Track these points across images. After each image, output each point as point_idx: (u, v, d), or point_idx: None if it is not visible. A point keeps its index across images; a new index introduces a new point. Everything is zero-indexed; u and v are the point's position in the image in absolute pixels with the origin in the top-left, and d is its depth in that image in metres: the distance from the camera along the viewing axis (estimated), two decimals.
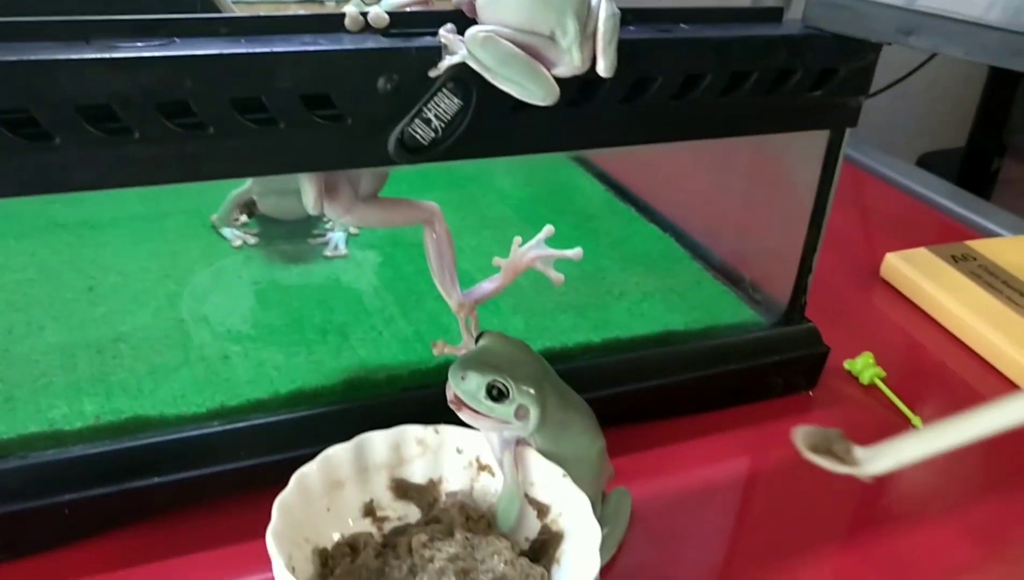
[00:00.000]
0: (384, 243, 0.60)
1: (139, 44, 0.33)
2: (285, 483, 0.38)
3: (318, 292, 0.54)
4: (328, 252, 0.59)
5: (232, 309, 0.51)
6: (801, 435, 0.31)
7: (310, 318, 0.51)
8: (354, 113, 0.36)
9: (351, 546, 0.39)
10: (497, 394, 0.39)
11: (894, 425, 0.56)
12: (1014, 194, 1.20)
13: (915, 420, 0.55)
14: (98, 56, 0.32)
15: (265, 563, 0.36)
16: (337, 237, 0.59)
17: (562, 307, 0.55)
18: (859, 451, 0.32)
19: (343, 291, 0.55)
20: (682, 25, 0.43)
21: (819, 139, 0.50)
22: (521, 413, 0.39)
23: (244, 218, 0.61)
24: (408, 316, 0.52)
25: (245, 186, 0.60)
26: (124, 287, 0.52)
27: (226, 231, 0.59)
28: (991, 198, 1.06)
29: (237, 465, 0.42)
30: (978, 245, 0.73)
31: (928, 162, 1.23)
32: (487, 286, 0.45)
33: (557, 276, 0.44)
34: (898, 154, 1.03)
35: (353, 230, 0.61)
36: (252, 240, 0.59)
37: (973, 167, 1.21)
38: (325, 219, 0.61)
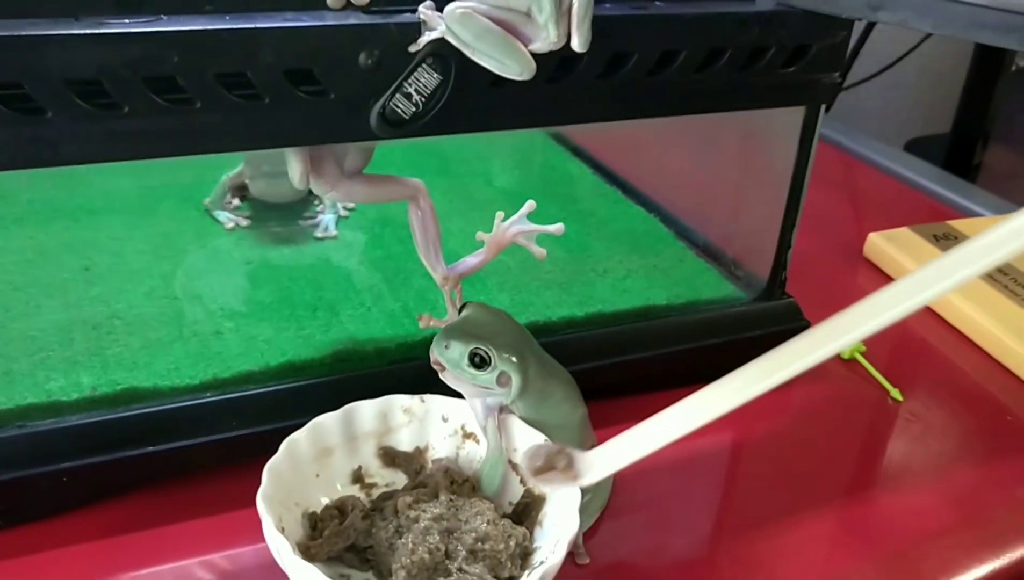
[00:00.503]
0: (373, 225, 0.62)
1: (126, 21, 0.34)
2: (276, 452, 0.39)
3: (308, 271, 0.55)
4: (318, 233, 0.60)
5: (224, 287, 0.52)
6: (525, 462, 0.31)
7: (300, 295, 0.52)
8: (337, 88, 0.37)
9: (339, 509, 0.40)
10: (479, 361, 0.40)
11: (873, 397, 0.57)
12: (995, 180, 1.21)
13: (894, 392, 0.57)
14: (87, 31, 0.33)
15: (258, 530, 0.37)
16: (327, 219, 0.61)
17: (547, 284, 0.56)
18: (579, 461, 0.32)
19: (333, 270, 0.56)
20: (657, 2, 0.44)
21: (797, 118, 0.52)
22: (503, 380, 0.41)
23: (236, 201, 0.62)
24: (396, 293, 0.53)
25: (237, 170, 0.62)
26: (119, 267, 0.53)
27: (219, 214, 0.60)
28: (975, 182, 1.07)
29: (229, 435, 0.43)
30: (960, 225, 0.74)
31: (914, 148, 1.24)
32: (471, 261, 0.46)
33: (539, 251, 0.45)
34: (889, 141, 1.05)
35: (343, 213, 0.62)
36: (244, 222, 0.60)
37: (958, 153, 1.22)
38: (316, 202, 0.63)
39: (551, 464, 0.33)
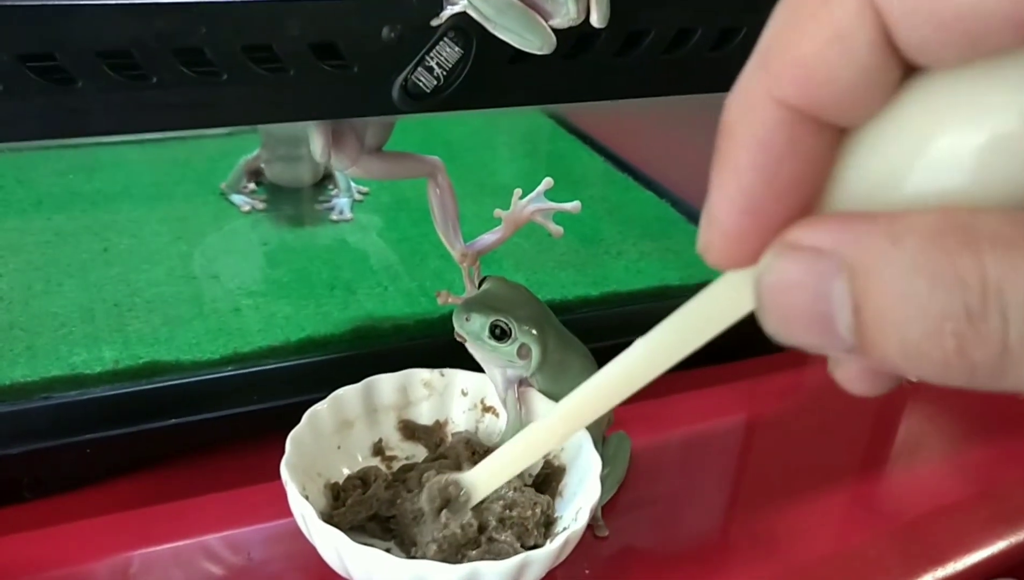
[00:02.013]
0: (388, 208, 0.62)
1: None
2: None
3: (324, 252, 0.56)
4: (334, 216, 0.60)
5: (242, 267, 0.53)
6: (427, 507, 0.33)
7: (318, 275, 0.53)
8: (360, 61, 0.38)
9: (362, 479, 0.41)
10: (500, 333, 0.41)
11: None
12: None
13: None
14: (119, 2, 0.33)
15: (278, 503, 0.37)
16: (342, 202, 0.61)
17: (562, 265, 0.56)
18: (466, 483, 0.32)
19: (349, 251, 0.57)
20: None
21: None
22: (523, 352, 0.41)
23: (252, 185, 0.62)
24: (412, 273, 0.54)
25: (253, 154, 0.62)
26: (138, 249, 0.54)
27: (235, 197, 0.61)
28: None
29: (251, 408, 0.44)
30: None
31: None
32: (489, 238, 0.46)
33: (556, 229, 0.46)
34: None
35: (358, 197, 0.63)
36: (260, 205, 0.60)
37: None
38: (330, 186, 0.63)
39: (447, 497, 0.34)
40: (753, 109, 0.17)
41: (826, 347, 0.17)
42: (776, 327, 0.18)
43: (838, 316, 0.16)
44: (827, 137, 0.17)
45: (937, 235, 0.15)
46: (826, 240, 0.16)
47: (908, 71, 0.16)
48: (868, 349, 0.16)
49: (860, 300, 0.16)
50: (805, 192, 0.17)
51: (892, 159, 0.16)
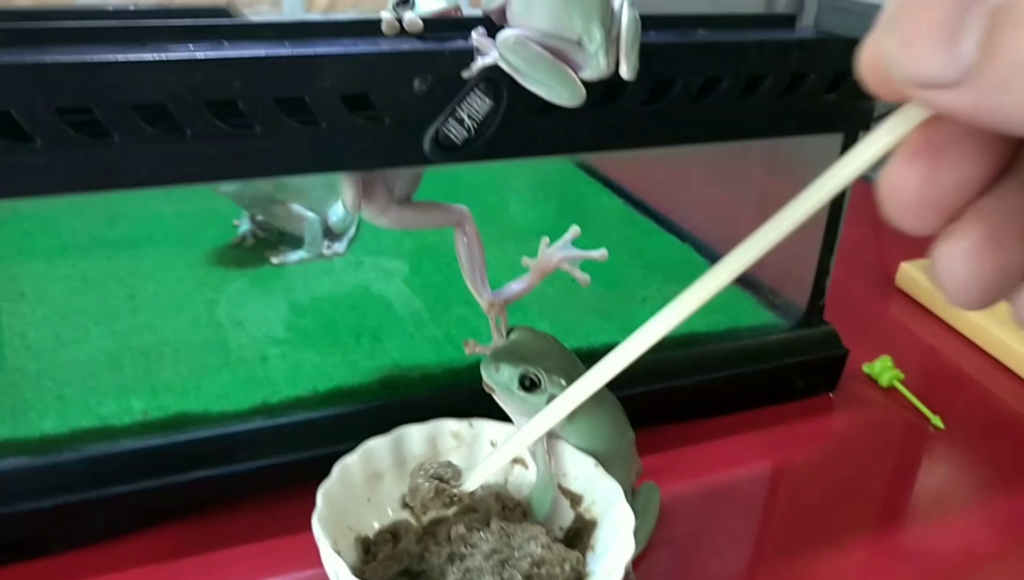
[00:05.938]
0: (411, 255, 0.62)
1: (191, 47, 0.35)
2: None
3: (349, 299, 0.56)
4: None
5: (267, 315, 0.53)
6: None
7: (343, 323, 0.53)
8: (391, 113, 0.38)
9: (393, 533, 0.40)
10: (530, 384, 0.40)
11: (914, 424, 0.57)
12: None
13: (934, 419, 0.56)
14: (154, 57, 0.33)
15: (307, 556, 0.37)
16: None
17: (587, 311, 0.56)
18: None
19: (374, 299, 0.57)
20: (700, 31, 0.45)
21: (835, 145, 0.52)
22: None
23: (260, 218, 0.63)
24: (438, 320, 0.54)
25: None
26: (163, 296, 0.54)
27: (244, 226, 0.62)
28: None
29: (280, 460, 0.44)
30: None
31: None
32: (516, 286, 0.46)
33: (583, 276, 0.46)
34: None
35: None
36: (260, 233, 0.61)
37: None
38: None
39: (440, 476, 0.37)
40: None
41: (938, 69, 0.17)
42: (901, 40, 0.18)
43: (969, 30, 0.17)
44: None
45: None
46: None
47: None
48: (991, 57, 0.16)
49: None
50: None
51: None
